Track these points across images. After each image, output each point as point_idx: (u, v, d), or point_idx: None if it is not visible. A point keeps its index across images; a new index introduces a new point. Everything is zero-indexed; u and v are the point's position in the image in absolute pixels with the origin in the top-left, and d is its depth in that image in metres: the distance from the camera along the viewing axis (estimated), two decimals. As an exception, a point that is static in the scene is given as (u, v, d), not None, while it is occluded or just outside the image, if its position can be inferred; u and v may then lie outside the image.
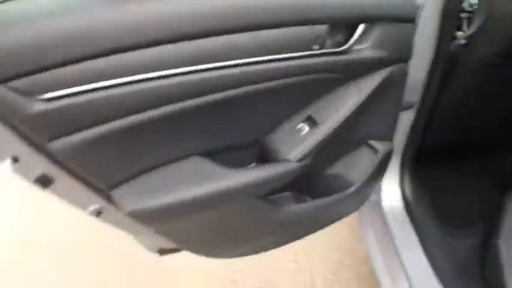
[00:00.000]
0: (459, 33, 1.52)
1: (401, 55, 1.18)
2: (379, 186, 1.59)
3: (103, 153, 0.93)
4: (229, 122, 1.07)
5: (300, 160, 1.14)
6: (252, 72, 0.96)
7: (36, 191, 0.92)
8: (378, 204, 1.60)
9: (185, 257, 1.31)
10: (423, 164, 1.63)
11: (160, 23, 0.83)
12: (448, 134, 1.72)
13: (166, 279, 1.97)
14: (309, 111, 1.16)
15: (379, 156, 1.31)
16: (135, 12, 0.81)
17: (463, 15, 1.55)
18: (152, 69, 0.85)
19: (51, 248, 2.15)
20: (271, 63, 0.98)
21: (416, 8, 1.18)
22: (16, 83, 0.75)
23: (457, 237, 1.53)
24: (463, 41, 1.48)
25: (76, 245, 2.15)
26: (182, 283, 1.95)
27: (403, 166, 1.59)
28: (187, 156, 1.06)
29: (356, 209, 1.51)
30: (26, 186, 0.93)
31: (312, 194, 1.32)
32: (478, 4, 1.52)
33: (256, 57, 0.95)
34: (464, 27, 1.55)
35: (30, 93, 0.77)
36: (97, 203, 1.04)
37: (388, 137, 1.35)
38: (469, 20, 1.53)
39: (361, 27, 1.07)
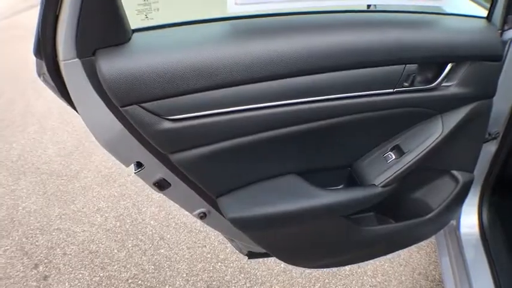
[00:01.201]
0: None
1: (486, 92, 1.21)
2: (458, 213, 1.62)
3: (214, 167, 1.08)
4: (325, 147, 1.18)
5: (385, 186, 1.21)
6: (347, 105, 1.06)
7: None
8: (455, 230, 1.63)
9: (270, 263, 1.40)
10: (502, 195, 1.63)
11: (271, 62, 0.94)
12: None
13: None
14: (397, 141, 1.24)
15: (460, 185, 1.34)
16: (250, 51, 0.94)
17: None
18: (259, 100, 0.98)
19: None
20: (366, 97, 1.07)
21: (503, 46, 1.19)
22: (148, 105, 0.89)
23: None
24: None
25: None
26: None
27: (482, 195, 1.60)
28: (285, 174, 1.19)
29: (434, 233, 1.55)
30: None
31: (394, 217, 1.39)
32: None
33: (353, 92, 1.05)
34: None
35: (159, 114, 0.91)
36: (203, 207, 1.21)
37: (469, 167, 1.38)
38: None
39: (449, 66, 1.12)
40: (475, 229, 1.61)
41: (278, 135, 1.06)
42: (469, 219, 1.63)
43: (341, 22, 1.08)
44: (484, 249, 1.55)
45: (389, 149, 1.25)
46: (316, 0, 1.01)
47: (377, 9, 1.26)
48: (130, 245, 2.30)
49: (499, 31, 1.18)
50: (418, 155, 1.21)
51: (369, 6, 1.31)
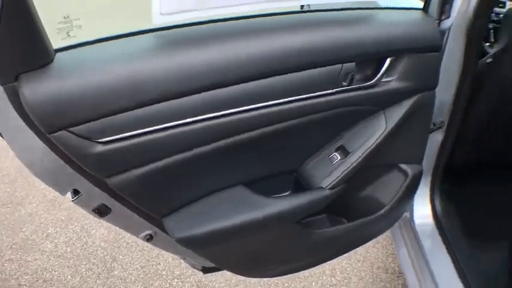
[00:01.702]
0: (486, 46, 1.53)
1: (428, 83, 1.22)
2: (411, 205, 1.63)
3: (154, 188, 1.02)
4: (269, 154, 1.15)
5: (332, 187, 1.20)
6: (288, 110, 1.04)
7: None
8: (409, 221, 1.64)
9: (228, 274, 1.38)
10: (453, 182, 1.66)
11: (204, 72, 0.91)
12: (476, 152, 1.73)
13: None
14: (341, 141, 1.22)
15: (409, 178, 1.35)
16: (182, 62, 0.90)
17: (489, 26, 1.54)
18: (194, 113, 0.93)
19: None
20: (306, 100, 1.05)
21: (442, 35, 1.20)
22: (77, 129, 0.84)
23: (485, 251, 1.56)
24: (489, 60, 1.50)
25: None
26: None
27: (433, 185, 1.62)
28: (231, 186, 1.15)
29: (388, 228, 1.56)
30: None
31: (347, 216, 1.38)
32: (503, 22, 1.53)
33: (293, 96, 1.03)
34: (491, 38, 1.55)
35: (89, 137, 0.86)
36: (149, 229, 1.14)
37: (417, 159, 1.39)
38: (496, 31, 1.54)
39: (388, 61, 1.12)
40: (429, 219, 1.63)
41: (219, 147, 1.01)
42: (422, 210, 1.64)
43: (274, 25, 1.05)
44: (441, 236, 1.57)
45: (334, 150, 1.23)
46: (245, 5, 0.97)
47: (311, 9, 1.23)
48: (83, 270, 2.21)
49: (437, 21, 1.19)
50: (364, 153, 1.20)
51: (302, 6, 1.29)
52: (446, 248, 1.53)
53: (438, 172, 1.59)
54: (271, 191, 1.22)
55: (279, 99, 1.02)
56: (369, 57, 1.11)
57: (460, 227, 1.60)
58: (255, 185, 1.18)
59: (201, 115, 0.94)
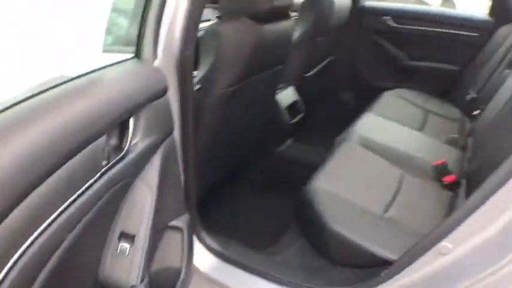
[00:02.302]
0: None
1: (166, 130, 1.19)
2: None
3: None
4: (63, 265, 0.93)
5: (142, 279, 1.12)
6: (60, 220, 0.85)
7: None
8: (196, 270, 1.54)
9: None
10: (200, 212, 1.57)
11: None
12: (213, 175, 1.81)
13: None
14: (118, 228, 1.13)
15: (185, 231, 1.33)
16: None
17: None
18: None
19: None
20: (71, 206, 0.87)
21: (164, 78, 1.15)
22: None
23: None
24: (197, 86, 1.53)
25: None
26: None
27: (194, 224, 1.52)
28: None
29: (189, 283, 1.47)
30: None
31: None
32: (205, 50, 1.56)
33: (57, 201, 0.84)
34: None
35: None
36: None
37: (183, 209, 1.37)
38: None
39: (131, 122, 1.04)
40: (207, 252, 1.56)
41: None
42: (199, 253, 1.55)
43: None
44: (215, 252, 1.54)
45: (117, 240, 1.14)
46: None
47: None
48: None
49: (154, 64, 1.16)
50: (147, 229, 1.13)
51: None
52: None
53: (194, 216, 1.51)
54: None
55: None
56: (113, 125, 0.99)
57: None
58: None
59: None
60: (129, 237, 1.13)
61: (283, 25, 1.80)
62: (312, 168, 1.78)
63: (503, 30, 2.84)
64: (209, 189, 1.82)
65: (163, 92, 1.14)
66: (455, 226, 1.10)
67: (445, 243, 1.13)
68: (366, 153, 1.95)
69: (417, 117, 2.56)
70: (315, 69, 2.85)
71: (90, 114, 0.89)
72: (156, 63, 1.17)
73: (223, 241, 1.58)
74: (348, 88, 3.41)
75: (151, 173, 1.14)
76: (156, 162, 1.15)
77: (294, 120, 2.47)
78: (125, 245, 1.13)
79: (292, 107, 2.49)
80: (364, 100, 2.75)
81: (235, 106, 1.73)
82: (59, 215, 0.83)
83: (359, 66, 3.34)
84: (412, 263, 1.19)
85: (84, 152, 0.87)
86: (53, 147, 0.79)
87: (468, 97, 2.71)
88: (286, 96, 2.47)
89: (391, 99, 2.73)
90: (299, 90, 2.58)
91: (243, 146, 2.11)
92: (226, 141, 1.85)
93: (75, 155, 0.84)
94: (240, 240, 1.66)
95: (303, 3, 2.53)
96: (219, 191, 1.96)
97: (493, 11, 3.05)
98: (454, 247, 1.11)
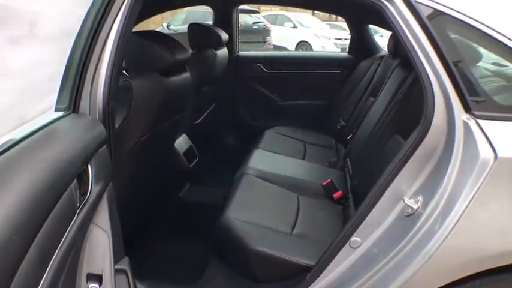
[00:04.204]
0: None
1: (106, 176, 1.24)
2: None
3: None
4: None
5: None
6: None
7: None
8: None
9: None
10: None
11: None
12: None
13: None
14: (84, 269, 1.17)
15: (129, 274, 1.32)
16: None
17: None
18: None
19: None
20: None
21: (103, 128, 1.27)
22: None
23: None
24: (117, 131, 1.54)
25: None
26: None
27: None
28: None
29: None
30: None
31: None
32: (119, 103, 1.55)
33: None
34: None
35: None
36: None
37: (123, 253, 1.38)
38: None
39: (89, 170, 1.12)
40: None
41: None
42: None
43: None
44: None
45: (86, 284, 1.17)
46: None
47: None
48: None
49: (92, 118, 1.27)
50: (107, 269, 1.18)
51: None
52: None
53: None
54: None
55: None
56: (72, 178, 1.03)
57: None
58: None
59: None
60: (96, 278, 1.18)
61: (183, 77, 2.04)
62: (210, 208, 1.99)
63: (363, 64, 3.45)
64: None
65: (103, 142, 1.24)
66: (360, 221, 1.40)
67: (354, 238, 1.42)
68: (264, 184, 2.20)
69: (298, 149, 2.94)
70: (203, 116, 3.11)
71: (59, 165, 0.96)
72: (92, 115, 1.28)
73: (153, 285, 1.64)
74: (232, 130, 3.75)
75: (102, 215, 1.21)
76: (103, 205, 1.22)
77: (191, 165, 2.66)
78: (94, 285, 1.17)
79: (188, 153, 2.67)
80: (248, 140, 3.07)
81: (147, 154, 1.87)
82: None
83: (240, 109, 3.72)
84: (330, 261, 1.44)
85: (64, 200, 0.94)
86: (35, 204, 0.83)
87: (339, 125, 3.23)
88: (181, 143, 2.65)
89: (273, 136, 3.07)
90: (190, 137, 2.78)
91: (154, 192, 2.24)
92: (140, 188, 1.95)
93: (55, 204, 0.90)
94: (168, 280, 1.79)
95: (190, 56, 2.74)
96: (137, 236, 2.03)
97: (352, 49, 3.72)
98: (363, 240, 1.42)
